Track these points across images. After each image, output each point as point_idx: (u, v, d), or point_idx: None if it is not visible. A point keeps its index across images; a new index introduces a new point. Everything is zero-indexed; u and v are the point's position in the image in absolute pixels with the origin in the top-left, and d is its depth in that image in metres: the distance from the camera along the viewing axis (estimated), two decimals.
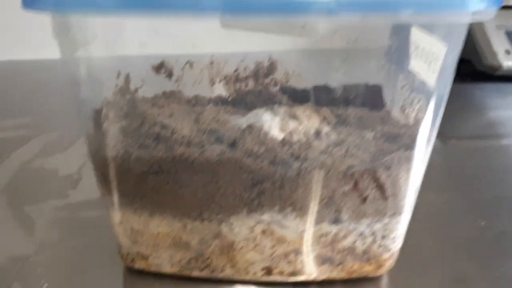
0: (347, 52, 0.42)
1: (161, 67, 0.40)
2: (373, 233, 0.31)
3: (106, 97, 0.35)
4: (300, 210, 0.28)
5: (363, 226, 0.30)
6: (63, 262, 0.35)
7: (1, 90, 0.78)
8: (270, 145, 0.29)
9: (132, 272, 0.33)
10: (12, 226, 0.39)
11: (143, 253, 0.31)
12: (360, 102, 0.39)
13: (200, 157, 0.28)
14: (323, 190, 0.28)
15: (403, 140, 0.30)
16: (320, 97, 0.41)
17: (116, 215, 0.31)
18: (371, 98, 0.40)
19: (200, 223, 0.29)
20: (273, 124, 0.32)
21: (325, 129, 0.33)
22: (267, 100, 0.40)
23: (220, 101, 0.40)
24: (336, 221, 0.29)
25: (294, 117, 0.33)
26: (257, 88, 0.41)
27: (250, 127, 0.31)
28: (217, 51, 0.41)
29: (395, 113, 0.37)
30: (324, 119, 0.34)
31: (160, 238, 0.30)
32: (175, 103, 0.39)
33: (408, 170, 0.29)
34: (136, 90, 0.38)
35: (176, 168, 0.28)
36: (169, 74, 0.40)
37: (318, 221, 0.29)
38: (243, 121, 0.33)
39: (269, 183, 0.28)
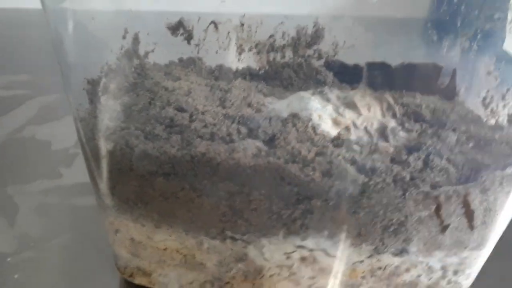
0: (410, 22, 0.34)
1: (178, 27, 0.31)
2: (444, 268, 0.23)
3: (106, 63, 0.27)
4: (358, 237, 0.21)
5: (434, 259, 0.23)
6: (46, 266, 0.28)
7: (1, 41, 0.70)
8: (321, 144, 0.21)
9: (131, 287, 0.26)
10: None
11: (146, 269, 0.25)
12: (426, 86, 0.31)
13: (229, 159, 0.20)
14: (393, 215, 0.20)
15: (503, 150, 0.22)
16: (376, 77, 0.32)
17: (112, 222, 0.24)
18: (441, 82, 0.32)
19: (221, 243, 0.22)
20: (324, 114, 0.24)
21: (391, 123, 0.25)
22: (307, 77, 0.32)
23: (249, 75, 0.32)
24: (401, 252, 0.22)
25: (349, 105, 0.25)
26: (296, 60, 0.33)
27: (294, 116, 0.23)
28: (250, 11, 0.33)
29: (471, 105, 0.29)
30: (388, 108, 0.26)
31: (167, 254, 0.23)
32: (193, 74, 0.31)
33: (508, 194, 0.22)
34: (147, 54, 0.30)
35: (196, 170, 0.20)
36: (188, 36, 0.32)
37: (379, 251, 0.22)
38: (283, 105, 0.25)
39: (320, 201, 0.20)
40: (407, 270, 0.23)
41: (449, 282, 0.24)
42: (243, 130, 0.22)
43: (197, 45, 0.32)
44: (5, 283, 0.26)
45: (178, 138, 0.21)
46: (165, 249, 0.23)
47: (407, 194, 0.20)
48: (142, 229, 0.23)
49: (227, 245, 0.22)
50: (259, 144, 0.21)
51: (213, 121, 0.22)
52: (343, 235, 0.21)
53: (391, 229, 0.21)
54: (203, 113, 0.23)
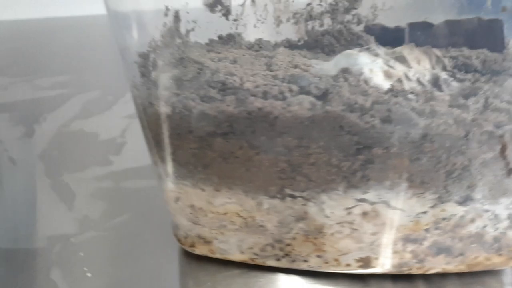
0: None
1: (216, 3, 0.32)
2: (511, 216, 0.23)
3: (153, 39, 0.27)
4: (421, 186, 0.21)
5: (500, 207, 0.22)
6: (107, 243, 0.29)
7: (40, 47, 0.73)
8: (375, 95, 0.21)
9: (191, 258, 0.27)
10: (50, 199, 0.34)
11: (206, 237, 0.25)
12: (472, 42, 0.30)
13: (286, 113, 0.20)
14: (456, 159, 0.20)
15: None
16: (419, 37, 0.32)
17: (172, 190, 0.24)
18: (488, 37, 0.31)
19: (281, 201, 0.22)
20: (375, 67, 0.23)
21: (443, 75, 0.25)
22: (348, 43, 0.31)
23: (289, 46, 0.32)
24: (466, 200, 0.21)
25: (399, 59, 0.25)
26: (335, 27, 0.33)
27: (344, 71, 0.23)
28: None
29: None
30: (438, 61, 0.26)
31: (227, 219, 0.24)
32: (234, 49, 0.31)
33: None
34: (188, 32, 0.31)
35: (253, 127, 0.20)
36: (226, 12, 0.32)
37: (443, 200, 0.21)
38: (330, 65, 0.25)
39: (381, 149, 0.20)
40: (472, 220, 0.22)
41: None
42: (295, 88, 0.22)
43: (235, 20, 0.32)
44: (71, 261, 0.27)
45: (233, 99, 0.21)
46: (225, 213, 0.24)
47: (470, 134, 0.19)
48: (202, 194, 0.23)
49: (286, 203, 0.22)
50: (312, 99, 0.21)
51: (264, 82, 0.22)
52: (405, 185, 0.21)
53: (455, 174, 0.20)
54: (253, 76, 0.23)
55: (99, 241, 0.29)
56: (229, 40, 0.32)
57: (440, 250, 0.23)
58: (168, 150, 0.23)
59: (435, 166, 0.20)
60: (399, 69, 0.24)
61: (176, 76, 0.25)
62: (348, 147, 0.20)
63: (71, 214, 0.32)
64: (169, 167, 0.23)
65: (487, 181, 0.21)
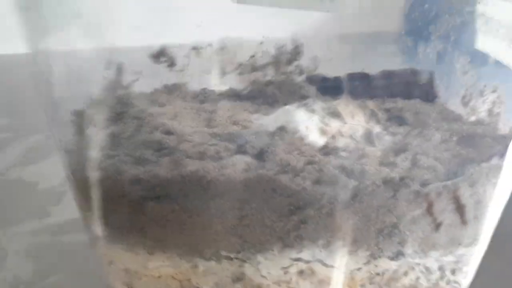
0: (387, 34, 0.34)
1: (161, 55, 0.32)
2: (442, 268, 0.23)
3: (90, 95, 0.27)
4: (353, 244, 0.21)
5: (430, 260, 0.23)
6: None
7: None
8: (310, 154, 0.21)
9: None
10: None
11: None
12: (406, 92, 0.31)
13: (219, 176, 0.20)
14: (385, 217, 0.20)
15: (486, 143, 0.22)
16: (357, 87, 0.33)
17: (106, 253, 0.23)
18: (420, 87, 0.32)
19: (217, 263, 0.22)
20: (310, 124, 0.24)
21: (376, 128, 0.25)
22: (291, 93, 0.32)
23: (234, 96, 0.32)
24: (398, 255, 0.22)
25: (334, 114, 0.26)
26: (278, 78, 0.33)
27: (281, 129, 0.23)
28: (229, 34, 0.33)
29: (452, 106, 0.30)
30: (372, 114, 0.27)
31: (162, 282, 0.23)
32: (179, 99, 0.31)
33: (495, 185, 0.22)
34: (132, 83, 0.30)
35: (186, 191, 0.20)
36: (171, 63, 0.32)
37: (375, 256, 0.22)
38: (270, 120, 0.26)
39: (313, 210, 0.20)
40: (405, 273, 0.23)
41: (448, 282, 0.24)
42: (231, 147, 0.22)
43: (180, 70, 0.33)
44: None
45: (168, 161, 0.21)
46: (159, 277, 0.23)
47: (397, 194, 0.20)
48: (136, 257, 0.22)
49: (223, 265, 0.22)
50: (248, 159, 0.21)
51: (201, 141, 0.22)
52: (338, 243, 0.21)
53: (385, 231, 0.21)
54: (190, 135, 0.23)
55: None
56: (174, 89, 0.32)
57: None
58: (99, 213, 0.22)
59: (365, 225, 0.20)
60: (333, 125, 0.24)
61: (113, 133, 0.24)
62: (281, 208, 0.20)
63: (1, 276, 0.30)
64: (101, 230, 0.22)
65: (416, 237, 0.21)
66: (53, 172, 0.42)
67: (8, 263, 0.31)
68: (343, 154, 0.22)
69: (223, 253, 0.21)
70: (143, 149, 0.22)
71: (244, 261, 0.22)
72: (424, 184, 0.20)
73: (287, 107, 0.26)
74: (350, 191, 0.20)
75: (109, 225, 0.22)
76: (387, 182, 0.20)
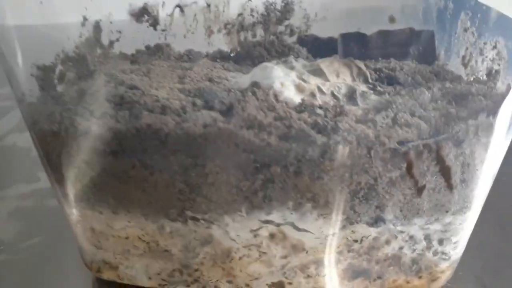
0: None
1: (142, 13, 0.30)
2: (428, 237, 0.22)
3: (63, 50, 0.26)
4: (325, 206, 0.19)
5: (414, 227, 0.21)
6: (18, 269, 0.27)
7: None
8: (282, 111, 0.20)
9: (103, 284, 0.25)
10: None
11: (111, 262, 0.23)
12: (404, 53, 0.29)
13: (178, 130, 0.19)
14: (360, 177, 0.19)
15: (478, 101, 0.20)
16: (351, 48, 0.31)
17: (71, 212, 0.22)
18: (419, 47, 0.30)
19: (183, 225, 0.21)
20: (287, 81, 0.22)
21: (361, 87, 0.23)
22: (280, 55, 0.30)
23: (220, 57, 0.31)
24: (377, 221, 0.20)
25: (316, 72, 0.24)
26: (267, 38, 0.32)
27: (254, 85, 0.22)
28: None
29: (452, 67, 0.28)
30: (359, 73, 0.25)
31: (130, 243, 0.22)
32: (162, 61, 0.30)
33: (486, 146, 0.20)
34: (111, 43, 0.29)
35: (143, 145, 0.19)
36: (154, 22, 0.31)
37: (352, 221, 0.20)
38: (246, 78, 0.24)
39: (280, 168, 0.18)
40: (387, 242, 0.21)
41: (435, 253, 0.22)
42: (199, 102, 0.21)
43: (163, 30, 0.31)
44: None
45: (126, 114, 0.20)
46: (127, 238, 0.22)
47: (372, 152, 0.18)
48: (100, 217, 0.22)
49: (189, 226, 0.21)
50: (214, 114, 0.20)
51: (167, 96, 0.21)
52: (309, 205, 0.19)
53: (361, 194, 0.19)
54: (157, 89, 0.22)
55: (9, 265, 0.27)
56: (157, 51, 0.31)
57: (357, 273, 0.22)
58: (60, 170, 0.21)
59: (338, 186, 0.19)
60: (313, 82, 0.23)
61: (81, 89, 0.23)
62: (245, 166, 0.19)
63: None
64: (64, 188, 0.21)
65: (397, 201, 0.20)
66: None
67: None
68: (319, 111, 0.20)
69: (189, 213, 0.20)
70: (103, 103, 0.20)
71: (211, 222, 0.20)
72: (402, 143, 0.18)
73: (264, 64, 0.24)
74: (318, 148, 0.18)
75: (70, 183, 0.21)
76: (360, 139, 0.18)
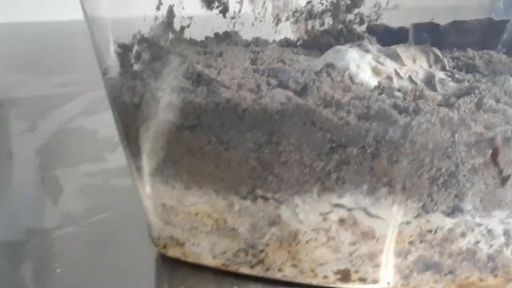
0: None
1: (212, 0, 0.31)
2: (508, 233, 0.20)
3: (139, 31, 0.27)
4: (402, 192, 0.19)
5: (494, 221, 0.20)
6: (85, 241, 0.28)
7: (52, 49, 0.74)
8: (360, 92, 0.19)
9: (167, 260, 0.26)
10: (37, 192, 0.33)
11: (178, 238, 0.24)
12: (481, 47, 0.28)
13: (255, 105, 0.19)
14: (442, 163, 0.18)
15: None
16: (424, 39, 0.30)
17: (144, 186, 0.23)
18: (498, 40, 0.28)
19: (252, 203, 0.21)
20: (363, 63, 0.22)
21: (439, 74, 0.23)
22: (348, 43, 0.30)
23: (287, 45, 0.31)
24: (454, 211, 0.19)
25: (392, 57, 0.23)
26: (336, 26, 0.31)
27: (329, 66, 0.21)
28: None
29: None
30: (436, 60, 0.24)
31: (199, 220, 0.22)
32: (230, 48, 0.30)
33: None
34: (182, 29, 0.30)
35: (221, 120, 0.19)
36: (224, 9, 0.31)
37: (427, 209, 0.19)
38: (319, 61, 0.24)
39: (356, 149, 0.18)
40: (463, 234, 0.20)
41: None
42: (273, 81, 0.21)
43: (232, 18, 0.31)
44: (44, 255, 0.27)
45: (204, 89, 0.20)
46: (196, 214, 0.22)
47: (456, 136, 0.17)
48: (172, 192, 0.22)
49: (258, 205, 0.21)
50: (289, 93, 0.20)
51: (241, 75, 0.21)
52: (384, 190, 0.19)
53: (441, 180, 0.18)
54: (232, 69, 0.22)
55: (77, 237, 0.28)
56: (225, 38, 0.31)
57: (427, 266, 0.21)
58: (137, 143, 0.21)
59: (417, 171, 0.18)
60: (390, 66, 0.22)
61: (157, 68, 0.24)
62: (321, 145, 0.18)
63: (55, 209, 0.31)
64: (139, 161, 0.22)
65: (477, 190, 0.19)
66: (112, 123, 0.44)
67: (62, 199, 0.32)
68: (397, 94, 0.20)
69: (259, 192, 0.20)
70: (182, 80, 0.21)
71: (281, 202, 0.20)
72: (488, 127, 0.17)
73: (338, 47, 0.24)
74: (400, 128, 0.17)
75: (146, 155, 0.22)
76: (444, 121, 0.17)
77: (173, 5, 0.29)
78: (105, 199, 0.32)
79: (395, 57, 0.23)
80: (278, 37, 0.32)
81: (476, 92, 0.19)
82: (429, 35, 0.30)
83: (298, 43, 0.31)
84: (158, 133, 0.20)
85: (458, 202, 0.19)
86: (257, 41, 0.31)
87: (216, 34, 0.31)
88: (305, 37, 0.32)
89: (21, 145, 0.41)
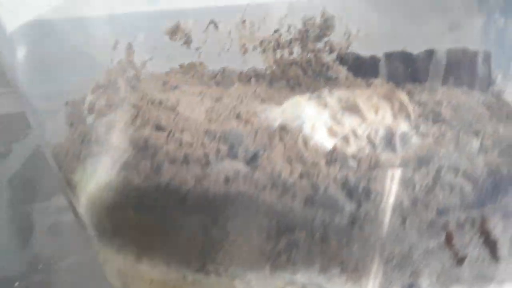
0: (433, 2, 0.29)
1: (176, 31, 0.30)
2: None
3: (94, 78, 0.25)
4: (355, 271, 0.18)
5: None
6: None
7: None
8: (311, 162, 0.18)
9: None
10: (5, 233, 0.33)
11: None
12: (455, 76, 0.26)
13: (198, 187, 0.18)
14: (394, 247, 0.17)
15: None
16: (396, 69, 0.28)
17: (98, 252, 0.22)
18: (472, 71, 0.27)
19: (205, 277, 0.20)
20: (318, 122, 0.21)
21: (402, 126, 0.21)
22: (317, 75, 0.29)
23: (255, 76, 0.29)
24: (411, 287, 0.19)
25: (353, 108, 0.22)
26: (305, 56, 0.30)
27: (282, 129, 0.20)
28: (251, 1, 0.30)
29: (510, 94, 0.25)
30: (401, 109, 0.22)
31: (155, 287, 0.22)
32: (194, 81, 0.29)
33: None
34: (144, 63, 0.28)
35: (163, 201, 0.18)
36: (188, 40, 0.30)
37: (383, 286, 0.18)
38: (277, 113, 0.22)
39: (304, 233, 0.17)
40: None
41: None
42: (223, 148, 0.19)
43: (197, 48, 0.30)
44: None
45: (147, 164, 0.19)
46: (151, 282, 0.22)
47: (407, 222, 0.16)
48: (125, 260, 0.21)
49: (212, 279, 0.20)
50: (238, 165, 0.19)
51: (191, 140, 0.20)
52: (336, 270, 0.18)
53: (394, 262, 0.17)
54: (182, 131, 0.21)
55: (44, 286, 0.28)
56: (190, 69, 0.30)
57: None
58: (82, 217, 0.21)
59: (368, 254, 0.17)
60: (348, 123, 0.21)
61: (109, 123, 0.23)
62: (267, 228, 0.17)
63: (23, 253, 0.31)
64: (89, 230, 0.21)
65: (433, 269, 0.18)
66: None
67: (32, 241, 0.32)
68: (351, 162, 0.18)
69: (211, 267, 0.20)
70: (127, 148, 0.20)
71: (234, 277, 0.20)
72: (442, 212, 0.16)
73: (297, 98, 0.22)
74: (347, 216, 0.16)
75: (95, 226, 0.21)
76: (395, 207, 0.16)
77: (131, 42, 0.28)
78: (77, 241, 0.32)
79: (356, 110, 0.22)
80: (246, 67, 0.30)
81: (436, 158, 0.18)
82: (402, 64, 0.28)
83: (267, 72, 0.30)
84: (101, 209, 0.20)
85: (413, 280, 0.18)
86: (224, 72, 0.30)
87: (181, 66, 0.30)
88: (274, 67, 0.30)
89: None
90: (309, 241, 0.17)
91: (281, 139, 0.20)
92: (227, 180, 0.18)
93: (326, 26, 0.29)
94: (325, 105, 0.22)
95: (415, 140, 0.21)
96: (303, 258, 0.18)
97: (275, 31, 0.30)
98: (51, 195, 0.36)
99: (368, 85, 0.26)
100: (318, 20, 0.29)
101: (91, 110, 0.25)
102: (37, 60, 0.23)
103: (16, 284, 0.28)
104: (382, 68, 0.28)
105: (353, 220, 0.16)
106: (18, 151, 0.43)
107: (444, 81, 0.26)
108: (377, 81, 0.26)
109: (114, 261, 0.22)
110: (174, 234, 0.19)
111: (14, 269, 0.29)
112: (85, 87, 0.25)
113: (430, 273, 0.18)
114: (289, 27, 0.30)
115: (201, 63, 0.30)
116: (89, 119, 0.24)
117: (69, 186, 0.21)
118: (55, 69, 0.24)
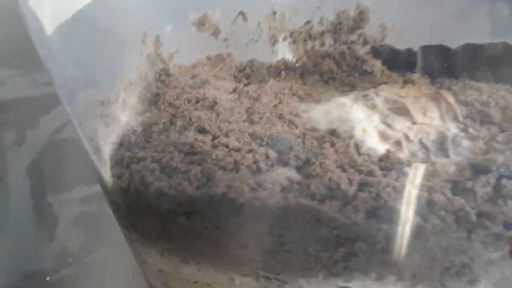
0: None
1: (203, 22, 0.29)
2: None
3: (125, 75, 0.25)
4: (412, 279, 0.18)
5: None
6: (84, 284, 0.28)
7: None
8: (366, 169, 0.18)
9: None
10: (31, 225, 0.32)
11: None
12: (496, 73, 0.26)
13: (254, 199, 0.17)
14: (456, 257, 0.17)
15: None
16: (433, 63, 0.28)
17: (139, 254, 0.22)
18: None
19: (254, 281, 0.20)
20: (369, 126, 0.20)
21: (452, 128, 0.21)
22: (351, 68, 0.28)
23: (285, 69, 0.29)
24: None
25: (401, 111, 0.21)
26: (337, 48, 0.29)
27: (332, 134, 0.20)
28: None
29: None
30: (448, 109, 0.22)
31: (199, 287, 0.21)
32: (222, 74, 0.28)
33: None
34: (171, 56, 0.28)
35: (217, 211, 0.18)
36: (215, 31, 0.29)
37: None
38: (319, 113, 0.22)
39: (365, 244, 0.17)
40: None
41: None
42: (272, 154, 0.19)
43: (225, 39, 0.29)
44: None
45: (198, 171, 0.18)
46: (195, 282, 0.21)
47: (472, 236, 0.16)
48: (169, 262, 0.21)
49: (260, 283, 0.20)
50: (290, 173, 0.18)
51: (238, 145, 0.19)
52: (393, 277, 0.18)
53: (453, 271, 0.17)
54: (227, 135, 0.20)
55: (76, 281, 0.28)
56: (218, 61, 0.29)
57: None
58: (129, 219, 0.20)
59: (429, 263, 0.17)
60: (398, 127, 0.20)
61: (146, 123, 0.22)
62: (327, 239, 0.17)
63: (50, 246, 0.30)
64: (133, 234, 0.21)
65: (492, 277, 0.18)
66: None
67: (58, 233, 0.31)
68: (406, 170, 0.18)
69: (261, 272, 0.19)
70: (173, 152, 0.19)
71: (285, 282, 0.19)
72: (507, 225, 0.16)
73: (342, 99, 0.22)
74: (412, 229, 0.16)
75: (139, 230, 0.20)
76: (460, 220, 0.16)
77: (158, 34, 0.27)
78: (103, 232, 0.31)
79: (404, 112, 0.21)
80: (276, 58, 0.30)
81: (493, 166, 0.18)
82: (439, 58, 0.28)
83: (297, 64, 0.29)
84: (151, 215, 0.19)
85: (471, 286, 0.18)
86: (252, 64, 0.29)
87: (208, 58, 0.29)
88: (304, 58, 0.29)
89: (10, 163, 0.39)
90: (370, 252, 0.17)
91: (332, 145, 0.19)
92: (283, 189, 0.17)
93: (360, 18, 0.28)
94: (373, 107, 0.21)
95: (465, 143, 0.20)
96: (360, 267, 0.18)
97: (307, 22, 0.29)
98: (73, 186, 0.35)
99: (405, 80, 0.26)
100: (352, 12, 0.28)
101: (124, 107, 0.24)
102: (76, 58, 0.22)
103: (48, 278, 0.28)
104: (418, 61, 0.28)
105: (418, 234, 0.16)
106: (33, 138, 0.42)
107: (483, 77, 0.25)
108: (415, 76, 0.26)
109: (156, 263, 0.22)
110: (226, 241, 0.19)
111: (43, 263, 0.29)
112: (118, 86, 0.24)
113: (488, 281, 0.18)
114: (321, 19, 0.29)
115: (229, 54, 0.29)
116: (123, 116, 0.24)
117: (111, 192, 0.20)
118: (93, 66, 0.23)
